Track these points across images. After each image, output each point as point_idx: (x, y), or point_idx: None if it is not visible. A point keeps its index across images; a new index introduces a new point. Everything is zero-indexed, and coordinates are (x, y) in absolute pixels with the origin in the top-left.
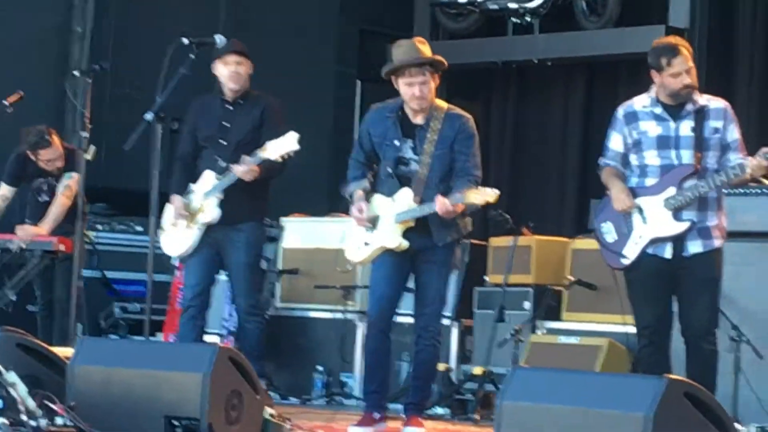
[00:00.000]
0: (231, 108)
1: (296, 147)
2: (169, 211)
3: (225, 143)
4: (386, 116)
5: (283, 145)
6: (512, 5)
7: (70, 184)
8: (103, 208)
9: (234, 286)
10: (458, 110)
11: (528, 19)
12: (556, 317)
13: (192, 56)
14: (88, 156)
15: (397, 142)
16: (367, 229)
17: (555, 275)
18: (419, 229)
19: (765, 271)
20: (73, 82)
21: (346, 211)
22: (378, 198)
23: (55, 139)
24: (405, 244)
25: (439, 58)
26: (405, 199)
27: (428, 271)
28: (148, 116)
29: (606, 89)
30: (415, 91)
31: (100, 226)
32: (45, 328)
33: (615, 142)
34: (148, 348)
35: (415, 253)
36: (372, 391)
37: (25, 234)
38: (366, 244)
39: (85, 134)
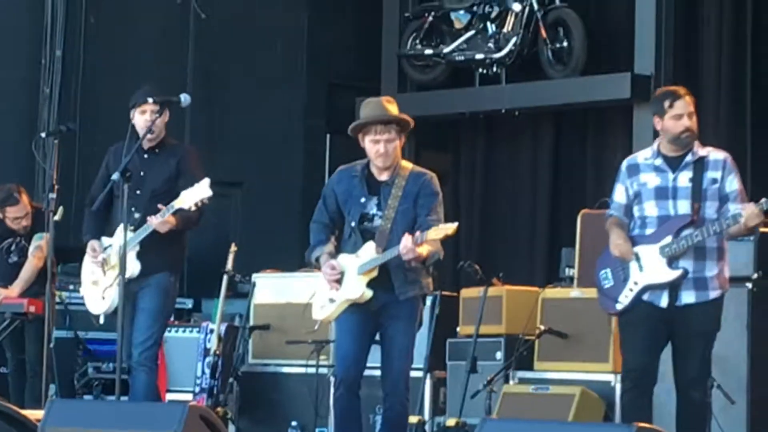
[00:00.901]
0: (146, 157)
1: (209, 193)
2: (87, 264)
3: (139, 193)
4: (352, 175)
5: (196, 194)
6: (479, 56)
7: (41, 245)
8: (74, 268)
9: (133, 332)
10: (423, 170)
11: (495, 69)
12: (529, 367)
13: (157, 116)
14: (57, 217)
15: (362, 200)
16: (332, 287)
17: (526, 325)
18: (382, 283)
19: (734, 316)
20: (41, 143)
21: (317, 267)
22: (342, 257)
23: (24, 198)
24: (368, 293)
25: (405, 117)
26: (368, 251)
27: (392, 327)
28: (115, 176)
29: (574, 137)
30: (380, 148)
31: (72, 286)
32: (16, 390)
33: (618, 194)
34: (118, 408)
35: (378, 310)
36: None
37: None
38: (331, 301)
39: (53, 195)
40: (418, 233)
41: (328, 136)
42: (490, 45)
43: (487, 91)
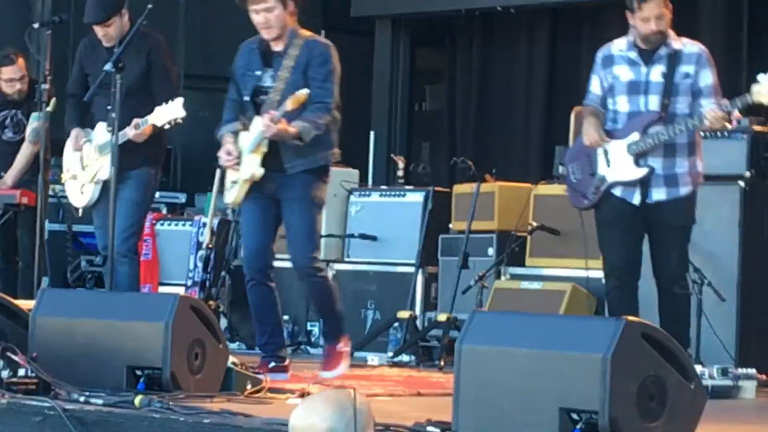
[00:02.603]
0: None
1: (182, 114)
2: (68, 155)
3: (113, 91)
4: (252, 48)
5: (170, 112)
6: None
7: (39, 131)
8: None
9: (116, 224)
10: (321, 39)
11: None
12: (520, 263)
13: (150, 6)
14: (50, 108)
15: (258, 72)
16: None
17: (518, 221)
18: (273, 159)
19: (726, 214)
20: (34, 35)
21: None
22: (242, 134)
23: (20, 61)
24: (259, 171)
25: None
26: (257, 126)
27: (287, 209)
28: (108, 67)
29: (570, 34)
30: (260, 18)
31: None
32: (7, 281)
33: (594, 85)
34: (110, 299)
35: (275, 192)
36: (264, 343)
37: None
38: (233, 183)
39: (46, 86)
40: (273, 111)
41: (323, 32)
42: None
43: None
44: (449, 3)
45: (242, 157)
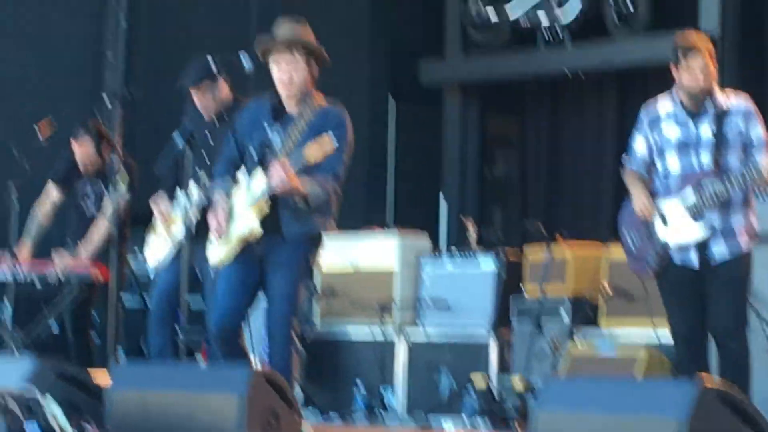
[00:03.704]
0: (218, 125)
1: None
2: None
3: (209, 163)
4: (262, 102)
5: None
6: (543, 18)
7: (119, 206)
8: (139, 233)
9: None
10: (337, 106)
11: (559, 31)
12: (594, 326)
13: (215, 73)
14: (121, 181)
15: (266, 126)
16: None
17: (591, 284)
18: (271, 222)
19: None
20: (105, 109)
21: (381, 225)
22: (236, 190)
23: (85, 138)
24: (258, 230)
25: (313, 42)
26: (259, 182)
27: (273, 273)
28: (179, 141)
29: (638, 97)
30: (282, 75)
31: (138, 251)
32: (81, 353)
33: (639, 144)
34: (184, 370)
35: (263, 255)
36: None
37: (62, 262)
38: (223, 241)
39: (117, 160)
40: (284, 160)
41: (391, 100)
42: (554, 6)
43: (552, 53)
44: (518, 69)
45: (235, 214)
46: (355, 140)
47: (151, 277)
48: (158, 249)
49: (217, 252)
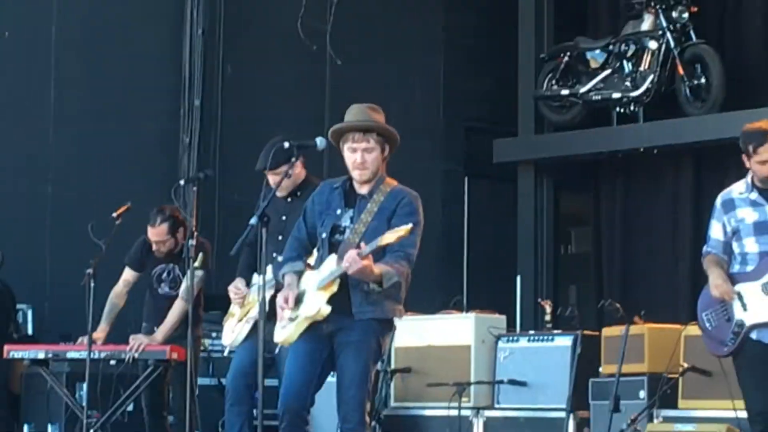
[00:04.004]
0: (289, 201)
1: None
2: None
3: (281, 239)
4: (334, 187)
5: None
6: (616, 95)
7: (194, 286)
8: (217, 316)
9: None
10: (408, 189)
11: (632, 108)
12: (673, 405)
13: (294, 159)
14: (197, 263)
15: (338, 211)
16: (294, 308)
17: (669, 363)
18: (341, 303)
19: None
20: (180, 192)
21: (458, 308)
22: (307, 273)
23: (162, 225)
24: (326, 309)
25: (386, 126)
26: (329, 265)
27: (344, 353)
28: (253, 221)
29: (714, 174)
30: (357, 158)
31: (214, 334)
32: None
33: (715, 230)
34: None
35: (331, 334)
36: None
37: (137, 345)
38: (290, 320)
39: (192, 242)
40: (363, 245)
41: (466, 179)
42: (627, 83)
43: (625, 130)
44: (591, 146)
45: (305, 296)
46: (429, 219)
47: (225, 354)
48: (234, 330)
49: (284, 332)
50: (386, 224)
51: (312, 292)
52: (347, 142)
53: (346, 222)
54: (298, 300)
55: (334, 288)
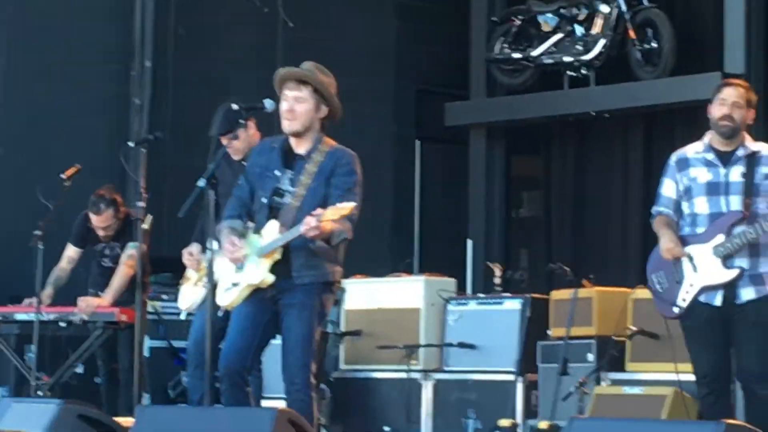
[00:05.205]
0: (242, 164)
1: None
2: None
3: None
4: (272, 146)
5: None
6: (567, 59)
7: (133, 254)
8: (168, 278)
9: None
10: (346, 149)
11: (584, 71)
12: (620, 368)
13: (241, 121)
14: (146, 225)
15: (277, 173)
16: (236, 269)
17: (617, 326)
18: (282, 266)
19: None
20: (130, 153)
21: (408, 271)
22: (249, 235)
23: (107, 211)
24: (269, 278)
25: (324, 84)
26: (271, 231)
27: (287, 316)
28: (201, 183)
29: (664, 138)
30: (285, 106)
31: (165, 296)
32: (109, 399)
33: (667, 188)
34: (208, 414)
35: (274, 297)
36: None
37: (87, 306)
38: (234, 284)
39: (142, 204)
40: (319, 210)
41: (417, 143)
42: (579, 47)
43: (577, 94)
44: (543, 110)
45: (247, 261)
46: (381, 183)
47: (182, 317)
48: (191, 295)
49: (228, 295)
50: (325, 185)
51: (254, 259)
52: (283, 91)
53: (285, 185)
54: (241, 264)
55: (277, 256)
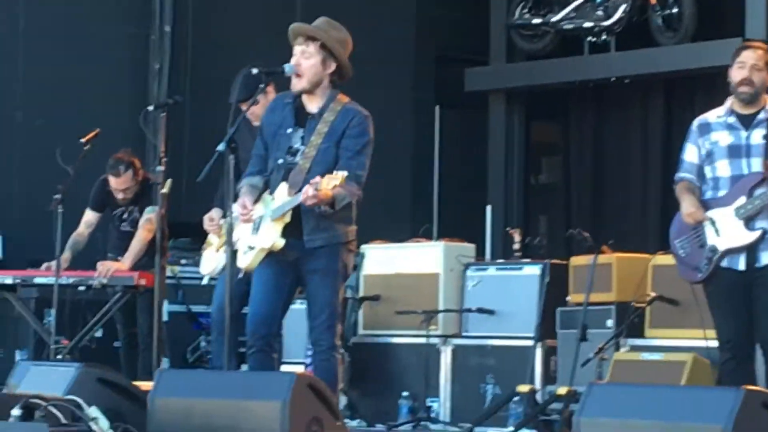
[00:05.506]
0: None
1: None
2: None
3: None
4: (285, 103)
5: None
6: (587, 24)
7: (151, 218)
8: (187, 243)
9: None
10: (359, 107)
11: (604, 37)
12: (639, 334)
13: (262, 86)
14: (165, 189)
15: (289, 130)
16: (252, 231)
17: (636, 292)
18: (294, 230)
19: None
20: (150, 117)
21: (427, 237)
22: (265, 196)
23: (126, 173)
24: (280, 242)
25: (332, 40)
26: (281, 194)
27: (312, 281)
28: (221, 147)
29: (684, 104)
30: (292, 60)
31: (184, 261)
32: (129, 363)
33: (690, 153)
34: (227, 378)
35: (295, 261)
36: None
37: (106, 270)
38: (250, 248)
39: (161, 168)
40: (317, 178)
41: (437, 108)
42: (599, 12)
43: (597, 60)
44: (562, 75)
45: (261, 223)
46: (400, 149)
47: (204, 282)
48: (212, 260)
49: (246, 258)
50: (335, 147)
51: (267, 222)
52: (294, 42)
53: (296, 143)
54: (257, 226)
55: (287, 219)
